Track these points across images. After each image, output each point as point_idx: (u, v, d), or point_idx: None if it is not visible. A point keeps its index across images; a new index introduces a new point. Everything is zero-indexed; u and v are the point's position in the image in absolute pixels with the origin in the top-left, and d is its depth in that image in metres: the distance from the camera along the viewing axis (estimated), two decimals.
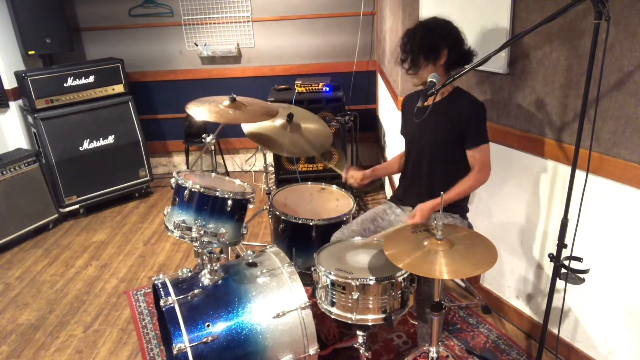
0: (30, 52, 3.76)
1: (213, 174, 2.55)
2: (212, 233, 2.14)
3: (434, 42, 1.92)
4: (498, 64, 2.21)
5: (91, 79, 3.83)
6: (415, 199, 2.13)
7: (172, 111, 4.57)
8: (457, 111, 1.99)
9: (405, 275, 1.76)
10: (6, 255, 3.44)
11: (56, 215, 3.79)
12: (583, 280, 1.74)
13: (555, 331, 2.16)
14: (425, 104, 1.80)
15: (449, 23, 1.97)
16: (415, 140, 2.15)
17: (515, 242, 2.39)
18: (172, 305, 1.76)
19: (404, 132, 2.30)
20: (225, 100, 2.41)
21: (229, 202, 2.15)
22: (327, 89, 3.82)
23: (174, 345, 1.67)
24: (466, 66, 1.89)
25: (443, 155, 2.05)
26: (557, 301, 1.94)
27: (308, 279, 2.04)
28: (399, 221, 2.17)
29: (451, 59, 1.94)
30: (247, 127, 2.64)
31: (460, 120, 1.97)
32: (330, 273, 1.76)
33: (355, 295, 1.71)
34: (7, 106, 3.82)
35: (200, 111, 2.34)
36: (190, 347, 1.68)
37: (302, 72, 4.39)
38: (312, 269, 1.85)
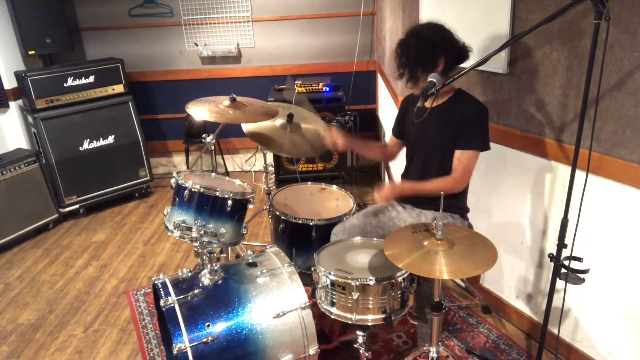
0: (30, 52, 3.76)
1: (213, 174, 2.55)
2: (212, 233, 2.14)
3: (430, 52, 1.88)
4: (498, 64, 2.21)
5: (91, 79, 3.83)
6: (418, 199, 2.13)
7: (172, 111, 4.58)
8: (460, 113, 1.96)
9: (405, 275, 1.76)
10: (6, 255, 3.44)
11: (56, 215, 3.79)
12: (583, 280, 1.74)
13: (555, 331, 2.16)
14: (427, 105, 1.79)
15: (441, 28, 1.94)
16: (419, 143, 2.13)
17: (515, 242, 2.39)
18: (172, 305, 1.76)
19: (397, 134, 2.29)
20: (225, 100, 2.41)
21: (229, 202, 2.15)
22: (327, 89, 3.83)
23: (174, 345, 1.67)
24: (466, 66, 1.89)
25: (449, 158, 2.02)
26: (557, 301, 1.94)
27: (308, 279, 2.04)
28: (400, 218, 2.17)
29: (449, 63, 1.92)
30: (247, 127, 2.64)
31: (462, 122, 1.95)
32: (330, 273, 1.76)
33: (355, 295, 1.71)
34: (7, 106, 3.82)
35: (200, 111, 2.34)
36: (191, 347, 1.68)
37: (302, 72, 4.39)
38: (312, 269, 1.85)
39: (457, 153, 1.97)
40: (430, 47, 1.89)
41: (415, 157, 2.16)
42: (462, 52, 1.95)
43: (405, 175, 2.27)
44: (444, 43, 1.90)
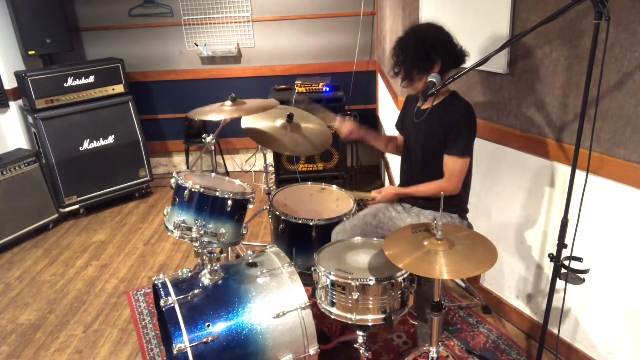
0: (30, 52, 3.76)
1: (213, 174, 2.55)
2: (212, 233, 2.14)
3: (426, 54, 1.88)
4: (498, 64, 2.21)
5: (91, 79, 3.83)
6: (415, 199, 2.14)
7: (172, 111, 4.58)
8: (449, 118, 1.97)
9: (405, 275, 1.76)
10: (6, 255, 3.44)
11: (56, 215, 3.79)
12: (583, 280, 1.74)
13: (555, 331, 2.16)
14: (424, 107, 1.79)
15: (441, 30, 1.94)
16: (413, 143, 2.14)
17: (515, 242, 2.39)
18: (172, 305, 1.76)
19: (400, 128, 2.31)
20: (227, 102, 2.43)
21: (229, 202, 2.15)
22: (327, 89, 3.83)
23: (174, 345, 1.67)
24: (466, 66, 1.89)
25: (434, 159, 2.04)
26: (557, 301, 1.94)
27: (308, 279, 2.04)
28: (400, 218, 2.18)
29: (445, 66, 1.92)
30: (247, 128, 2.64)
31: (450, 127, 1.96)
32: (330, 273, 1.76)
33: (355, 295, 1.72)
34: (7, 106, 3.82)
35: (202, 113, 2.37)
36: (190, 347, 1.68)
37: (302, 72, 4.39)
38: (312, 269, 1.85)
39: (445, 157, 2.01)
40: (428, 50, 1.88)
41: (412, 155, 2.18)
42: (459, 56, 1.96)
43: (402, 174, 2.29)
44: (442, 47, 1.90)
